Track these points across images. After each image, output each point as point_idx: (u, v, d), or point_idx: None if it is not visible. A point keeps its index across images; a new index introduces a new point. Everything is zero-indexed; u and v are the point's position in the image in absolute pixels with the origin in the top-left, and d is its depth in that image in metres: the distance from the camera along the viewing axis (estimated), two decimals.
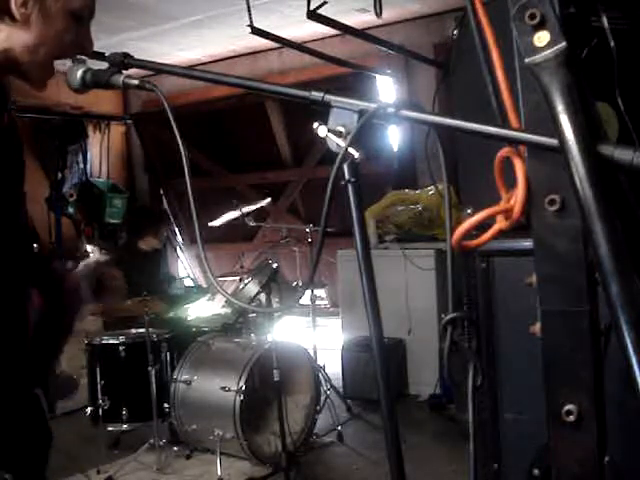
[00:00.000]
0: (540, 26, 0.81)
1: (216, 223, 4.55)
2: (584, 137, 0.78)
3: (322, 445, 4.11)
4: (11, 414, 1.23)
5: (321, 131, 1.00)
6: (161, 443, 3.80)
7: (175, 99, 6.55)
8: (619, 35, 0.99)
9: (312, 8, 4.04)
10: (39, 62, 1.25)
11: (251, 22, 4.11)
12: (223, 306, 5.39)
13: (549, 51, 0.81)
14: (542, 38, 0.81)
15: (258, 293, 3.84)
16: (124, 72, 1.26)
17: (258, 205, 4.61)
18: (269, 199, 4.73)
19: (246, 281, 3.95)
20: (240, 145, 7.29)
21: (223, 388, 3.64)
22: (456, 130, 0.95)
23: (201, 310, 5.06)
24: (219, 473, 3.51)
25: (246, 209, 4.47)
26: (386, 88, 6.20)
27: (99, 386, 3.89)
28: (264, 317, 4.12)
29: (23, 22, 1.20)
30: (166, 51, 6.24)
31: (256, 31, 4.23)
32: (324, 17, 4.20)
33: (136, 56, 1.27)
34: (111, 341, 3.98)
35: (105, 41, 4.40)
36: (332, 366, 4.85)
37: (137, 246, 4.71)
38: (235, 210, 4.48)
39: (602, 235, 0.74)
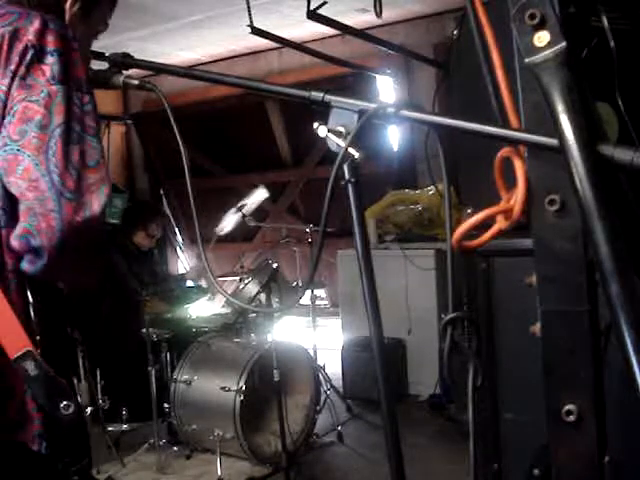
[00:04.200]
0: (540, 26, 0.81)
1: (222, 232, 4.48)
2: (584, 137, 0.78)
3: (322, 445, 4.11)
4: None
5: (321, 131, 1.00)
6: (161, 443, 3.80)
7: (175, 99, 6.54)
8: (619, 35, 0.99)
9: (312, 8, 4.04)
10: None
11: (251, 22, 4.11)
12: (223, 306, 5.38)
13: (549, 51, 0.81)
14: (542, 38, 0.81)
15: (258, 293, 3.83)
16: (124, 72, 1.26)
17: (253, 196, 4.49)
18: (265, 191, 4.59)
19: (246, 281, 3.95)
20: (240, 145, 7.29)
21: (223, 388, 3.64)
22: (456, 130, 0.95)
23: (201, 310, 5.05)
24: (219, 473, 3.51)
25: (243, 203, 4.38)
26: (386, 88, 6.20)
27: (99, 386, 3.89)
28: (264, 317, 4.12)
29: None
30: (166, 51, 6.24)
31: (256, 31, 4.23)
32: (324, 17, 4.20)
33: (136, 56, 1.27)
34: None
35: (105, 41, 4.38)
36: (332, 366, 4.85)
37: (132, 241, 4.69)
38: (235, 209, 4.44)
39: (602, 235, 0.74)
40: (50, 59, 1.13)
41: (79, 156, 1.12)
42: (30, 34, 1.13)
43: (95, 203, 1.11)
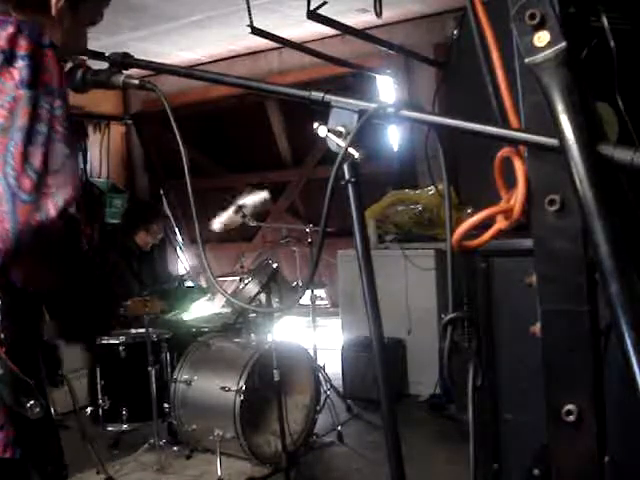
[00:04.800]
0: (540, 26, 0.81)
1: (216, 226, 4.45)
2: (584, 137, 0.78)
3: (322, 445, 4.11)
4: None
5: (321, 131, 1.00)
6: (161, 443, 3.80)
7: (175, 99, 6.54)
8: (619, 35, 0.99)
9: (312, 8, 4.04)
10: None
11: (251, 22, 4.11)
12: (223, 306, 5.38)
13: (549, 51, 0.81)
14: (542, 38, 0.81)
15: (258, 293, 3.83)
16: (124, 72, 1.26)
17: (254, 196, 4.45)
18: (267, 193, 4.56)
19: (246, 281, 3.95)
20: (240, 145, 7.28)
21: (223, 388, 3.64)
22: (456, 130, 0.95)
23: (201, 310, 5.05)
24: (219, 473, 3.51)
25: (243, 202, 4.34)
26: (386, 88, 6.19)
27: (99, 386, 3.89)
28: (264, 317, 4.11)
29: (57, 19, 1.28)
30: (166, 51, 6.24)
31: (256, 31, 4.23)
32: (324, 17, 4.20)
33: (136, 56, 1.27)
34: (111, 341, 3.98)
35: (105, 41, 4.38)
36: (332, 366, 4.85)
37: (134, 241, 4.69)
38: (234, 207, 4.39)
39: (602, 235, 0.74)
40: (20, 63, 1.13)
41: (41, 158, 1.11)
42: (2, 39, 1.14)
43: (51, 207, 1.11)
